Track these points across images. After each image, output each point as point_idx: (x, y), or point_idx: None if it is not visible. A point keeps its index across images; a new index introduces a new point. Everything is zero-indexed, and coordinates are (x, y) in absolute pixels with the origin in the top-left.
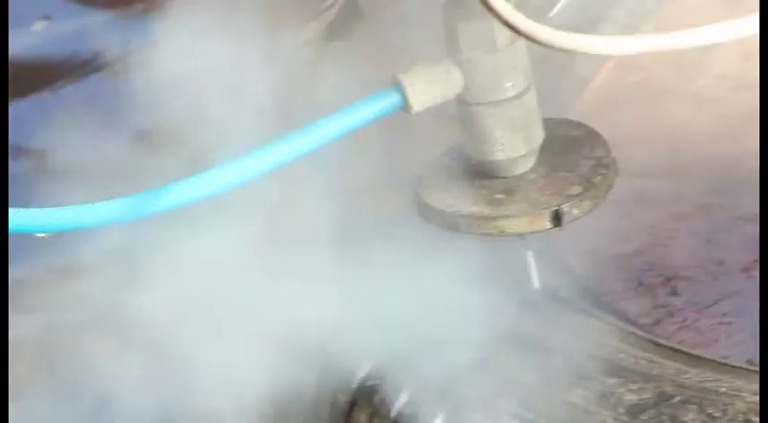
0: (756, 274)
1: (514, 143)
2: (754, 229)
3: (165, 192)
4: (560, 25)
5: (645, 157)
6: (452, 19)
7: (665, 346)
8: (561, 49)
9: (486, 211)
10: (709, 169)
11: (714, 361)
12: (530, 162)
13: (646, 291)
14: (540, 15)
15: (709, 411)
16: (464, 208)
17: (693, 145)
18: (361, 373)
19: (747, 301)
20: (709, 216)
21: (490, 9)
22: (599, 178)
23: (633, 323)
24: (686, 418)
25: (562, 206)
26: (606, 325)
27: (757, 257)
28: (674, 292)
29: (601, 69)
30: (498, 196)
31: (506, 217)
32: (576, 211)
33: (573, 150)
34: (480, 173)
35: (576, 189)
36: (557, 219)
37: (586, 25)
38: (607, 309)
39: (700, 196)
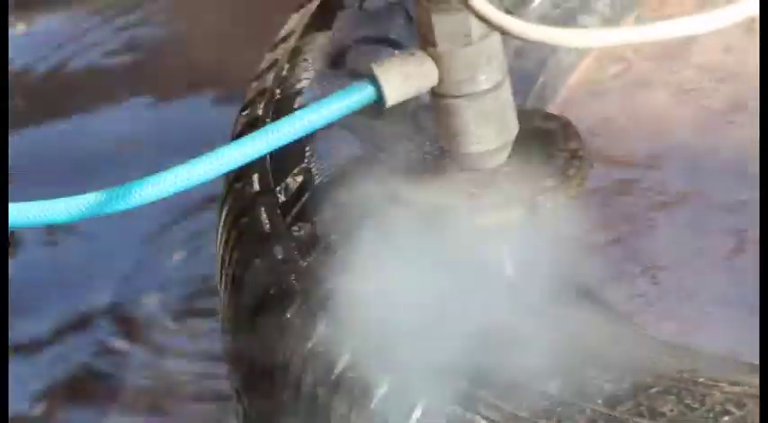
0: (737, 263)
1: (489, 136)
2: (734, 219)
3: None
4: (540, 17)
5: (625, 146)
6: (426, 11)
7: (644, 336)
8: (535, 42)
9: (460, 204)
10: (690, 159)
11: (692, 350)
12: (504, 154)
13: (625, 280)
14: (520, 7)
15: (687, 402)
16: (439, 201)
17: (674, 135)
18: (341, 364)
19: (728, 290)
20: (690, 205)
21: (466, 3)
22: (573, 170)
23: (612, 312)
24: (664, 409)
25: (537, 198)
26: (585, 314)
27: (738, 246)
28: (654, 281)
29: (582, 61)
30: (473, 189)
31: (481, 210)
32: (550, 204)
33: (547, 142)
34: (454, 165)
35: (551, 181)
36: (531, 211)
37: (567, 17)
38: (586, 298)
39: (680, 185)
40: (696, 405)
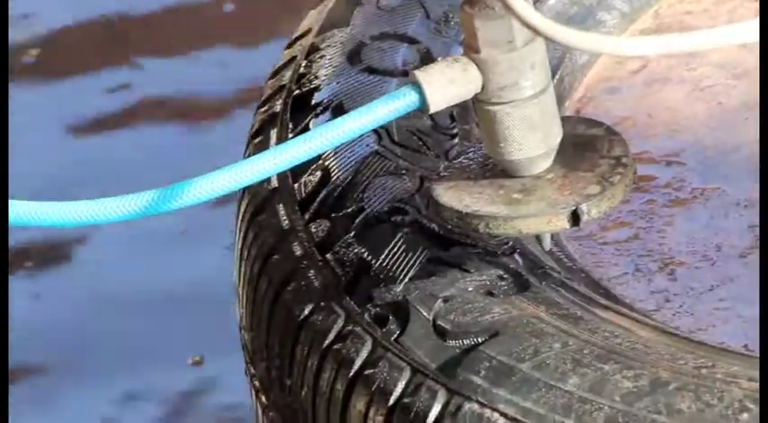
0: (754, 260)
1: (532, 142)
2: (751, 216)
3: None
4: (558, 14)
5: (643, 143)
6: (470, 17)
7: (662, 332)
8: (580, 50)
9: (504, 211)
10: (707, 156)
11: (710, 346)
12: (548, 161)
13: (642, 276)
14: (538, 3)
15: (705, 398)
16: (482, 208)
17: (691, 132)
18: (359, 361)
19: (744, 286)
20: (707, 202)
21: (509, 9)
22: (617, 177)
23: (630, 308)
24: (682, 405)
25: (580, 206)
26: (602, 310)
27: (755, 244)
28: (672, 278)
29: (600, 57)
30: (516, 196)
31: (524, 217)
32: (594, 211)
33: (591, 149)
34: (498, 172)
35: (595, 188)
36: (575, 218)
37: (585, 13)
38: (603, 294)
39: (697, 182)
40: (714, 402)
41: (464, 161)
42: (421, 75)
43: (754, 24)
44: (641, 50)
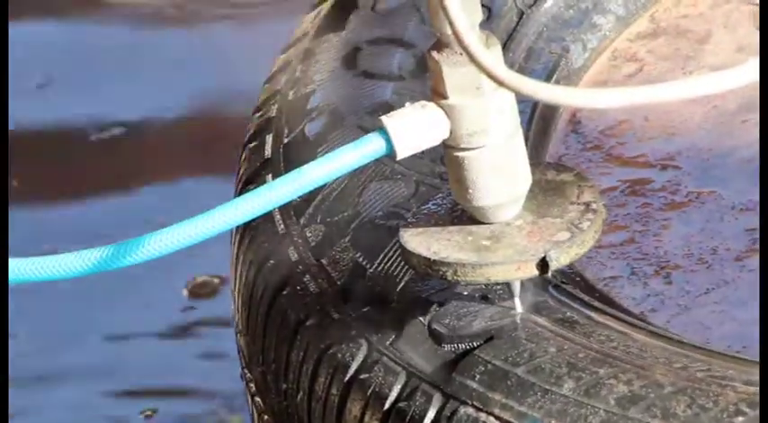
0: (749, 263)
1: (501, 188)
2: (747, 219)
3: (140, 243)
4: (554, 17)
5: (639, 147)
6: (437, 63)
7: (657, 335)
8: (546, 102)
9: (472, 258)
10: (703, 159)
11: (705, 350)
12: (516, 208)
13: (638, 279)
14: (533, 7)
15: (701, 402)
16: (450, 255)
17: (687, 135)
18: (354, 365)
19: (740, 290)
20: (703, 206)
21: (474, 61)
22: (587, 224)
23: (625, 312)
24: (677, 409)
25: (549, 253)
26: (598, 314)
27: (750, 247)
28: (667, 281)
29: (595, 62)
30: (485, 243)
31: (493, 264)
32: (563, 258)
33: (561, 195)
34: (466, 219)
35: (564, 235)
36: (544, 266)
37: (581, 17)
38: (599, 297)
39: (693, 186)
40: (710, 405)
41: (432, 207)
42: (388, 121)
43: (721, 75)
44: (610, 103)
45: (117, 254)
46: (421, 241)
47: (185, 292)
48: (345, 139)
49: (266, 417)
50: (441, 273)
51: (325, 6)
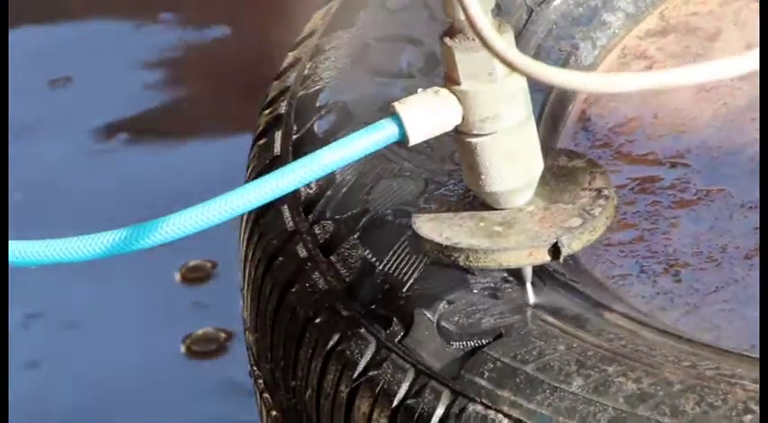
0: (759, 261)
1: (513, 174)
2: (756, 217)
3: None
4: (563, 15)
5: (648, 144)
6: (450, 49)
7: (666, 333)
8: (558, 87)
9: (484, 243)
10: (713, 157)
11: (715, 348)
12: (528, 193)
13: (647, 277)
14: (542, 4)
15: (710, 400)
16: (462, 240)
17: (696, 133)
18: (362, 362)
19: (749, 288)
20: (712, 203)
21: (487, 46)
22: (599, 210)
23: (634, 310)
24: (686, 407)
25: (561, 238)
26: (607, 312)
27: (759, 244)
28: (676, 279)
29: (604, 59)
30: (497, 228)
31: (505, 250)
32: (575, 244)
33: (573, 181)
34: (478, 204)
35: (576, 221)
36: (556, 251)
37: (590, 14)
38: (608, 295)
39: (703, 183)
40: (719, 403)
41: (444, 193)
42: (400, 107)
43: (742, 59)
44: (623, 87)
45: (133, 236)
46: (433, 227)
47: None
48: None
49: (275, 413)
50: (453, 258)
51: (335, 3)
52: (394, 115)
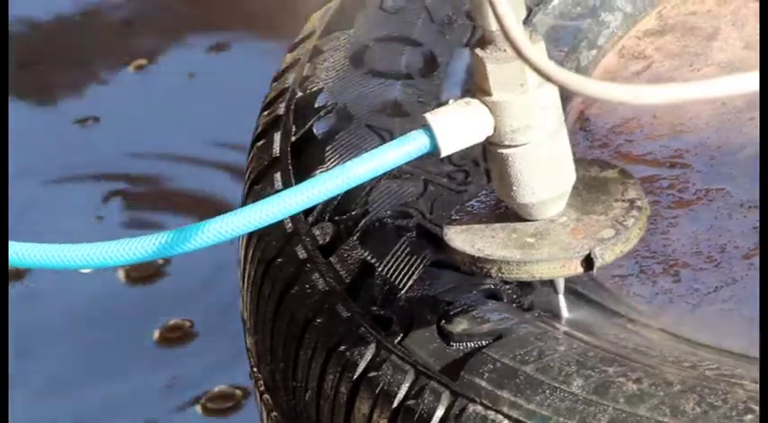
0: (758, 261)
1: (545, 185)
2: (755, 217)
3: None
4: (561, 15)
5: (647, 144)
6: (481, 60)
7: (666, 333)
8: (592, 98)
9: (517, 255)
10: (712, 157)
11: (714, 348)
12: (561, 205)
13: (647, 278)
14: (541, 5)
15: (710, 400)
16: (494, 252)
17: (695, 133)
18: (362, 363)
19: (749, 287)
20: (711, 203)
21: (522, 56)
22: (632, 221)
23: (634, 310)
24: (686, 408)
25: (594, 250)
26: (607, 312)
27: (759, 244)
28: (676, 279)
29: (603, 59)
30: (529, 240)
31: (537, 261)
32: (608, 255)
33: (605, 192)
34: (510, 215)
35: (609, 232)
36: (589, 263)
37: (588, 14)
38: (608, 296)
39: (702, 183)
40: (719, 403)
41: (476, 204)
42: (432, 118)
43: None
44: (656, 99)
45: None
46: (465, 238)
47: None
48: (353, 137)
49: (275, 415)
50: (485, 270)
51: (333, 4)
52: (425, 126)
